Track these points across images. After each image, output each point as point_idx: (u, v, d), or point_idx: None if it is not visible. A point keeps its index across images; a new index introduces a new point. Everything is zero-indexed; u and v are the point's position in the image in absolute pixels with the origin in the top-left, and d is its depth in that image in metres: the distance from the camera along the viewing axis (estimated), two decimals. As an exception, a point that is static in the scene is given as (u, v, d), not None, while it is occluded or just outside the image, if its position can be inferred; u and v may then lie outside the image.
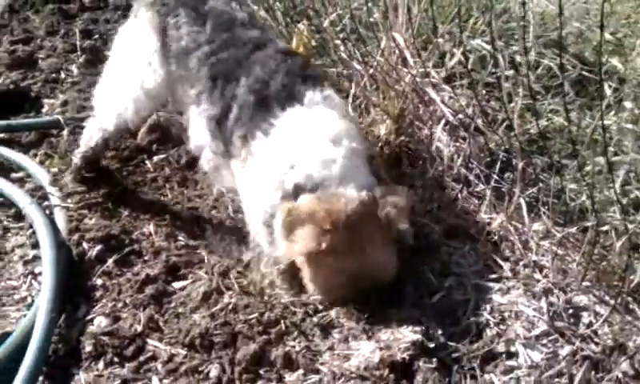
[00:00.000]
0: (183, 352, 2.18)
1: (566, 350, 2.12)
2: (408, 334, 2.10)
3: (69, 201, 2.97)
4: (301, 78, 2.44)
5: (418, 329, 2.13)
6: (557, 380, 2.06)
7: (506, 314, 2.21)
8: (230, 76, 2.49)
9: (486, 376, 2.04)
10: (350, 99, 3.07)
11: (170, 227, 2.81)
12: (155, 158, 3.35)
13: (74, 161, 3.08)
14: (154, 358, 2.19)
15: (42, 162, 3.30)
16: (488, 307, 2.23)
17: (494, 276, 2.36)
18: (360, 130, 2.53)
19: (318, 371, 2.05)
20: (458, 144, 2.83)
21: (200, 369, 2.10)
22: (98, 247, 2.65)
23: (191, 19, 2.66)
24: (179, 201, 3.07)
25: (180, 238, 2.76)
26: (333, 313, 2.23)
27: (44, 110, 3.73)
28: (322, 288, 2.24)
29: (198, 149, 2.65)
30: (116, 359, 2.20)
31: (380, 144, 3.05)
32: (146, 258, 2.63)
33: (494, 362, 2.08)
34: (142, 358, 2.19)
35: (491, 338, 2.14)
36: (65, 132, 3.48)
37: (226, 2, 2.73)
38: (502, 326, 2.17)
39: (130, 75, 2.81)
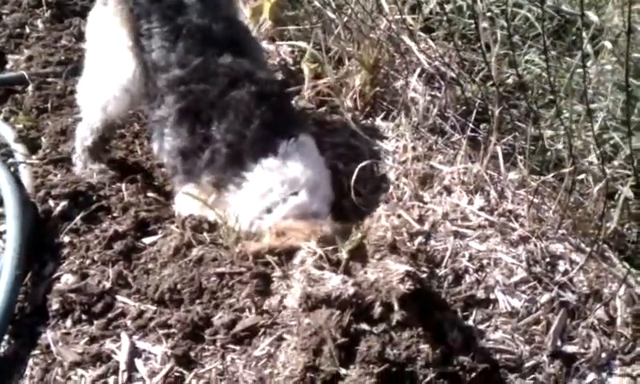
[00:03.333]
0: (153, 308, 2.11)
1: (544, 298, 2.11)
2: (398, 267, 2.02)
3: (34, 157, 2.86)
4: (275, 126, 2.38)
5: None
6: (534, 327, 2.05)
7: (485, 262, 2.18)
8: (200, 114, 2.43)
9: (465, 324, 2.00)
10: (324, 52, 2.99)
11: (139, 183, 2.72)
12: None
13: (77, 162, 2.85)
14: (122, 314, 2.12)
15: (6, 119, 3.17)
16: (467, 254, 2.19)
17: (470, 223, 2.32)
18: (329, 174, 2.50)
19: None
20: (433, 93, 2.77)
21: (169, 323, 2.04)
22: (65, 203, 2.55)
23: (163, 31, 2.52)
24: (149, 157, 2.97)
25: (149, 193, 2.68)
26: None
27: (8, 66, 3.58)
28: None
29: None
30: (84, 316, 2.14)
31: (354, 96, 2.98)
32: (114, 214, 2.53)
33: (473, 308, 2.05)
34: (110, 315, 2.13)
35: (470, 285, 2.11)
36: (30, 88, 3.35)
37: (203, 9, 2.58)
38: (480, 273, 2.14)
39: (105, 70, 2.67)
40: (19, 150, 2.88)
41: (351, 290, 1.83)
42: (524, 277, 2.16)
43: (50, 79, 3.40)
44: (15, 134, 2.98)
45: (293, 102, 3.06)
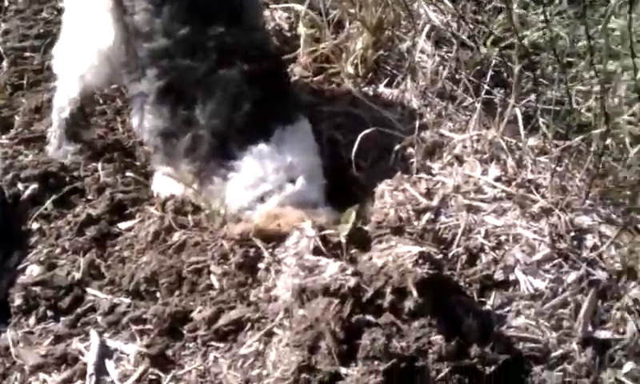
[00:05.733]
0: (127, 301, 1.87)
1: (571, 277, 1.85)
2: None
3: (3, 137, 2.61)
4: (268, 109, 2.10)
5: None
6: (561, 310, 1.79)
7: (503, 238, 1.91)
8: (185, 94, 2.15)
9: (482, 308, 1.74)
10: (323, 15, 2.71)
11: (117, 162, 2.47)
12: (105, 89, 2.97)
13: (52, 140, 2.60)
14: (93, 309, 1.89)
15: (-22, 96, 2.93)
16: (482, 230, 1.92)
17: (485, 196, 2.05)
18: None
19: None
20: (443, 55, 2.49)
21: (144, 318, 1.79)
22: (34, 186, 2.31)
23: None
24: (131, 134, 2.72)
25: (128, 173, 2.42)
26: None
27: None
28: None
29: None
30: (49, 312, 1.90)
31: (355, 61, 2.71)
32: (88, 196, 2.30)
33: (491, 291, 1.78)
34: (79, 310, 1.89)
35: (487, 265, 1.85)
36: (4, 63, 3.11)
37: None
38: (498, 251, 1.87)
39: (84, 35, 2.40)
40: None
41: (352, 281, 1.58)
42: (547, 254, 1.90)
43: (27, 53, 3.16)
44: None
45: (288, 69, 2.78)
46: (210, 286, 1.82)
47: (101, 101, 2.91)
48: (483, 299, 1.79)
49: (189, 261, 1.90)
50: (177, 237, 2.00)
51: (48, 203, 2.25)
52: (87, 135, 2.61)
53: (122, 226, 2.16)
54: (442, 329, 1.58)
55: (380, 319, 1.56)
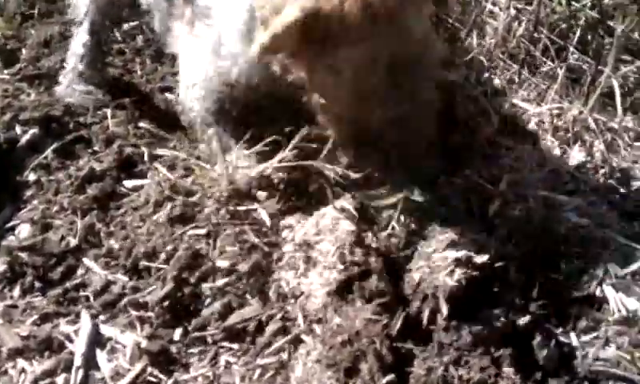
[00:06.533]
0: (124, 279, 1.56)
1: (674, 297, 1.47)
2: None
3: (5, 72, 2.30)
4: None
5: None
6: (660, 338, 1.41)
7: (589, 242, 1.54)
8: None
9: (560, 332, 1.39)
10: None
11: (131, 110, 2.14)
12: (125, 26, 2.69)
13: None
14: (84, 284, 1.57)
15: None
16: (562, 229, 1.55)
17: (567, 188, 1.68)
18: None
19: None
20: (520, 6, 2.08)
21: (142, 301, 1.49)
22: (34, 131, 2.01)
23: None
24: (150, 79, 2.40)
25: (142, 124, 2.10)
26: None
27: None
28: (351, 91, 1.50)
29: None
30: (37, 284, 1.59)
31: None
32: (95, 147, 1.99)
33: (572, 310, 1.42)
34: (69, 284, 1.58)
35: (568, 275, 1.48)
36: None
37: None
38: (583, 259, 1.50)
39: None
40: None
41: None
42: (643, 264, 1.52)
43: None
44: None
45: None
46: (220, 270, 1.49)
47: (120, 38, 2.62)
48: (564, 320, 1.43)
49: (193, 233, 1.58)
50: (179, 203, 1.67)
51: (48, 151, 1.96)
52: (102, 77, 2.30)
53: (128, 184, 1.84)
54: (512, 359, 1.24)
55: (434, 341, 1.23)
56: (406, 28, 1.45)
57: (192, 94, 1.91)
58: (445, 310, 1.24)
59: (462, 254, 1.33)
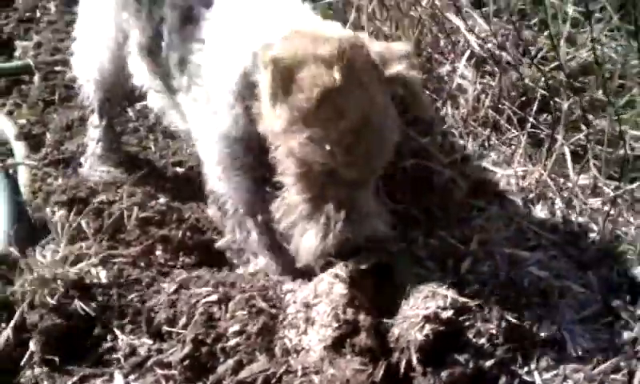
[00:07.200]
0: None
1: (623, 338, 1.70)
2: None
3: (33, 156, 2.58)
4: None
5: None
6: (612, 376, 1.64)
7: (549, 292, 1.78)
8: None
9: (524, 372, 1.62)
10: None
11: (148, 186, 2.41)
12: (138, 105, 2.94)
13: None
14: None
15: (10, 112, 2.91)
16: (525, 282, 1.80)
17: (530, 244, 1.92)
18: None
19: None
20: (485, 81, 2.36)
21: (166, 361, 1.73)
22: (62, 212, 2.26)
23: None
24: (164, 154, 2.68)
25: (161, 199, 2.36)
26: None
27: (16, 54, 3.31)
28: (320, 145, 1.63)
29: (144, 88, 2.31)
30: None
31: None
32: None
33: (534, 352, 1.65)
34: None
35: (530, 321, 1.71)
36: (36, 78, 3.08)
37: None
38: (544, 307, 1.74)
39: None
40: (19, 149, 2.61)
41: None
42: (598, 310, 1.76)
43: (58, 68, 3.14)
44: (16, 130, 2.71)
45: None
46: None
47: (134, 117, 2.89)
48: (527, 360, 1.66)
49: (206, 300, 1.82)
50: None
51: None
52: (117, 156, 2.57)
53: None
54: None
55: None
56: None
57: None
58: (414, 360, 1.47)
59: (430, 311, 1.57)
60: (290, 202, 1.73)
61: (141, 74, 2.27)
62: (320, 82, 1.59)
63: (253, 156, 1.90)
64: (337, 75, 1.58)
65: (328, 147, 1.60)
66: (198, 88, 1.96)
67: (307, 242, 1.68)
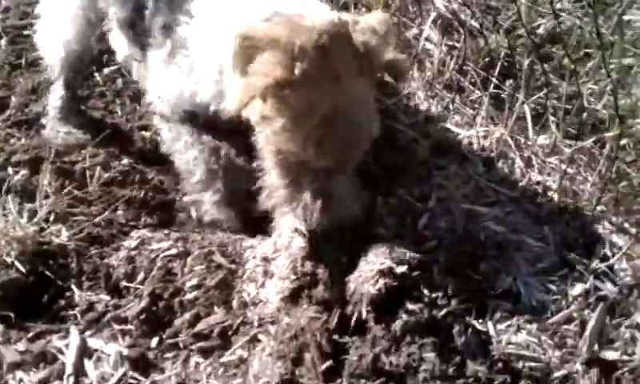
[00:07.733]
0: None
1: (577, 290, 1.73)
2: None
3: (-1, 118, 2.55)
4: None
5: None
6: (565, 327, 1.68)
7: (505, 245, 1.79)
8: None
9: (479, 323, 1.63)
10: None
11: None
12: (106, 70, 2.90)
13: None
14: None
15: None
16: (481, 236, 1.81)
17: (488, 200, 1.94)
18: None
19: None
20: (451, 44, 2.36)
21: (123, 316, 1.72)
22: (24, 172, 2.24)
23: None
24: (130, 118, 2.66)
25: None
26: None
27: (-17, 19, 3.25)
28: (291, 136, 1.65)
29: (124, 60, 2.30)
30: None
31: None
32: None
33: (489, 303, 1.67)
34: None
35: (486, 274, 1.73)
36: (3, 42, 3.03)
37: None
38: (499, 260, 1.75)
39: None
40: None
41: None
42: (553, 264, 1.78)
43: (26, 32, 3.08)
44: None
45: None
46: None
47: (101, 82, 2.86)
48: (481, 312, 1.68)
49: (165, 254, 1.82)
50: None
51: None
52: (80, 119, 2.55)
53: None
54: (435, 345, 1.49)
55: (369, 334, 1.47)
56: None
57: (161, 105, 2.08)
58: (364, 312, 1.49)
59: (385, 266, 1.58)
60: (269, 184, 1.77)
61: (121, 47, 2.26)
62: (276, 71, 1.57)
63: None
64: (296, 70, 1.57)
65: (299, 138, 1.60)
66: (182, 58, 1.96)
67: (286, 224, 1.73)
